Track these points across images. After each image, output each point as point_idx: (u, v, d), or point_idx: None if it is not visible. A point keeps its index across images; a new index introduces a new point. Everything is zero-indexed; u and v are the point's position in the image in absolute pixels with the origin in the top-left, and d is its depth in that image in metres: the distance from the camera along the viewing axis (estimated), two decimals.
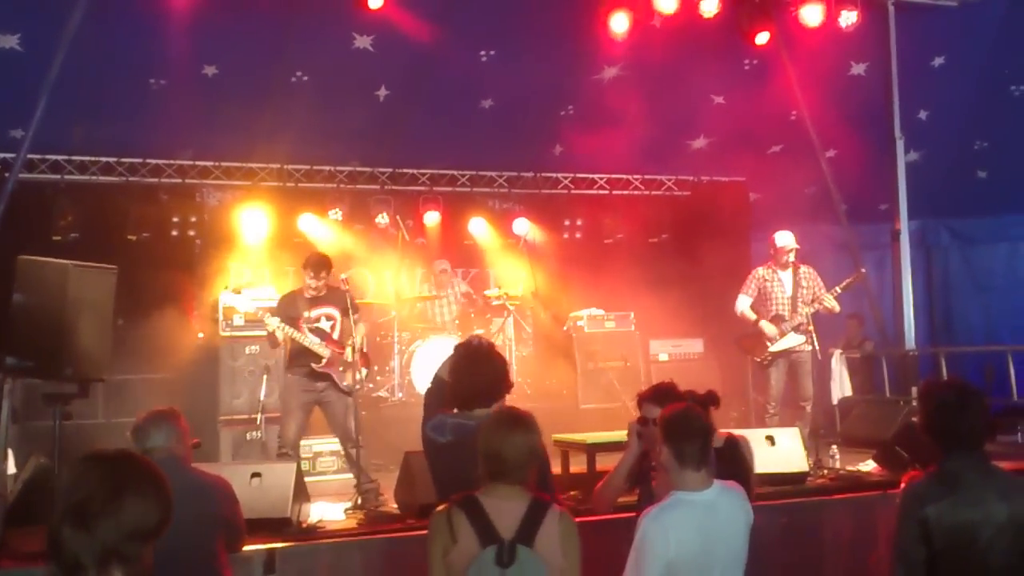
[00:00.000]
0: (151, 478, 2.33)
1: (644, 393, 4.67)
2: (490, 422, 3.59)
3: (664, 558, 3.56)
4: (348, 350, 7.43)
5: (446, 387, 4.22)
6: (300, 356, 7.40)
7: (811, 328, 8.32)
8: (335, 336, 7.52)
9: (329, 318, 7.55)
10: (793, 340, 8.48)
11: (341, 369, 7.40)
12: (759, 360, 8.61)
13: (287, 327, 7.35)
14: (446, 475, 4.12)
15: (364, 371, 7.77)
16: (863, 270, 8.96)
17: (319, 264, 7.50)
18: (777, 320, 8.54)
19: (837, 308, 8.48)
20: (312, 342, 7.38)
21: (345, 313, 7.49)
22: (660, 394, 4.56)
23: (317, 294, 7.54)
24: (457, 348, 4.46)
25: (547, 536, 3.37)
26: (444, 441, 4.15)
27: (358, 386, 7.55)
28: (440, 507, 3.51)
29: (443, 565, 3.37)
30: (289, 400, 7.47)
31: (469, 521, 3.36)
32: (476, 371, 4.27)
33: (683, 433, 3.76)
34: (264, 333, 7.98)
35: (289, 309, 7.50)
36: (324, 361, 7.38)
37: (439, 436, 4.18)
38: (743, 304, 8.72)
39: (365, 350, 7.83)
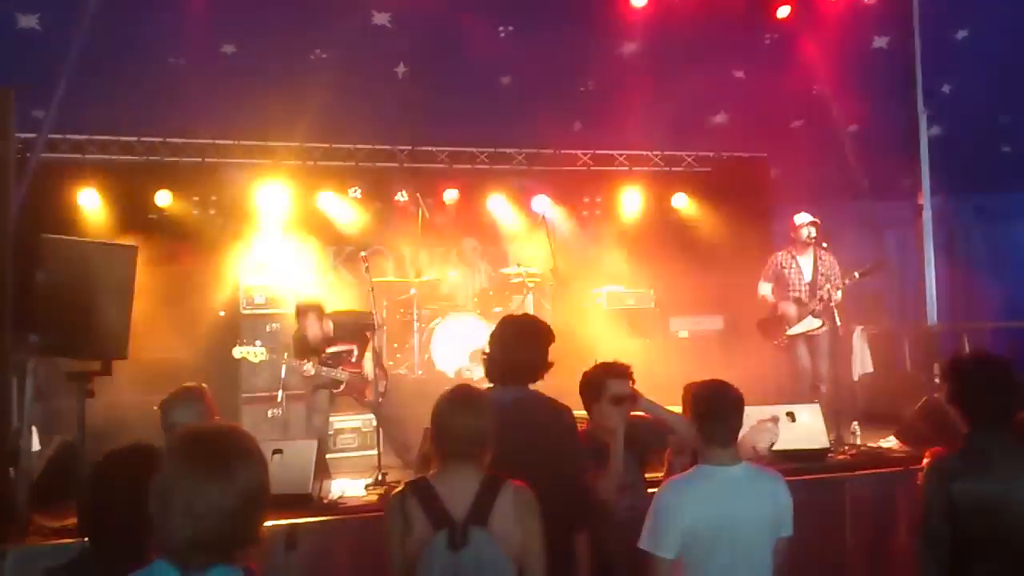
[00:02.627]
0: (251, 447, 2.31)
1: (596, 373, 4.69)
2: (441, 400, 3.50)
3: (678, 526, 3.58)
4: (365, 366, 7.94)
5: None
6: (328, 383, 7.92)
7: (832, 305, 8.33)
8: (353, 357, 8.02)
9: (345, 351, 8.06)
10: (810, 324, 8.63)
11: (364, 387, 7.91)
12: (776, 343, 8.79)
13: (311, 367, 7.77)
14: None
15: (384, 382, 8.07)
16: (886, 257, 8.93)
17: (307, 309, 7.99)
18: (796, 304, 8.62)
19: (837, 299, 8.47)
20: (328, 372, 7.86)
21: (358, 339, 8.04)
22: (613, 369, 4.67)
23: (325, 336, 8.00)
24: (503, 320, 4.45)
25: (502, 514, 3.30)
26: None
27: (380, 399, 7.82)
28: (394, 492, 3.49)
29: (401, 552, 3.31)
30: (319, 390, 7.96)
31: (420, 505, 3.30)
32: (518, 346, 4.25)
33: (714, 411, 3.77)
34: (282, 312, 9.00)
35: (307, 346, 7.93)
36: (343, 387, 7.91)
37: None
38: (764, 289, 9.02)
39: (381, 363, 8.20)
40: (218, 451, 2.24)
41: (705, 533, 3.59)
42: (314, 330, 7.93)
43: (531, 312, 10.73)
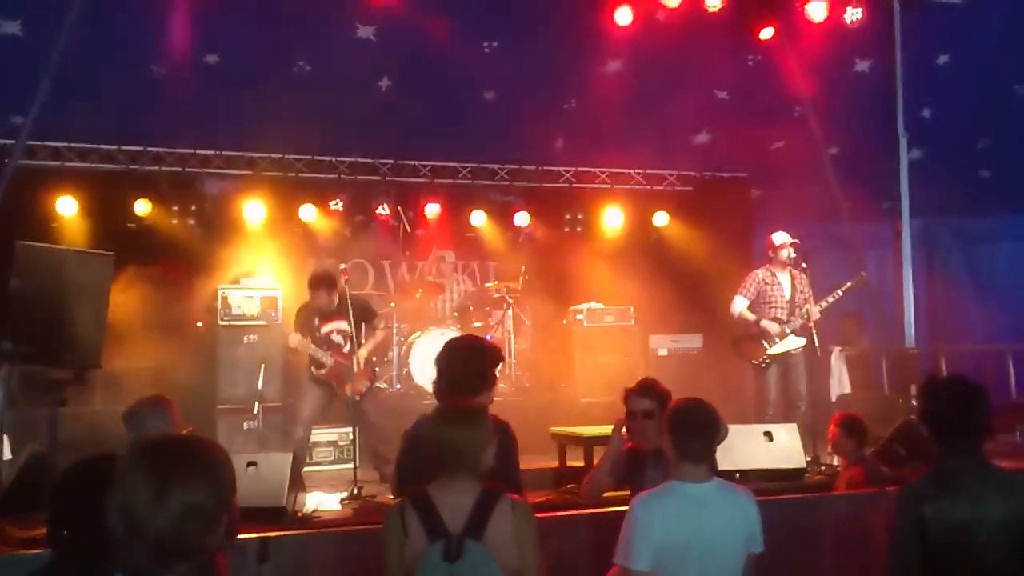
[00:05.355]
0: (199, 461, 2.24)
1: (632, 388, 4.79)
2: (435, 415, 3.55)
3: (650, 541, 3.60)
4: (354, 360, 7.75)
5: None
6: (311, 363, 7.87)
7: (811, 325, 8.31)
8: (346, 349, 7.85)
9: (341, 331, 7.91)
10: (793, 343, 8.46)
11: (347, 378, 7.69)
12: (756, 363, 8.59)
13: (298, 339, 7.78)
14: (407, 467, 4.12)
15: (367, 383, 7.96)
16: (863, 273, 8.88)
17: (320, 282, 7.88)
18: (776, 323, 8.53)
19: (816, 317, 8.42)
20: (315, 351, 7.78)
21: (357, 323, 7.78)
22: (645, 388, 4.68)
23: (328, 308, 7.89)
24: (446, 343, 4.48)
25: (498, 528, 3.31)
26: (413, 432, 4.16)
27: (357, 396, 7.73)
28: (395, 503, 3.51)
29: (399, 563, 3.33)
30: (302, 400, 7.95)
31: (418, 516, 3.33)
32: (454, 364, 4.27)
33: (686, 428, 3.80)
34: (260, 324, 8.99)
35: (307, 321, 7.91)
36: (324, 371, 7.78)
37: (413, 429, 4.20)
38: (740, 305, 8.66)
39: (374, 359, 8.20)
40: (170, 460, 2.20)
41: (675, 548, 3.60)
42: (323, 300, 7.85)
43: (510, 328, 10.78)
